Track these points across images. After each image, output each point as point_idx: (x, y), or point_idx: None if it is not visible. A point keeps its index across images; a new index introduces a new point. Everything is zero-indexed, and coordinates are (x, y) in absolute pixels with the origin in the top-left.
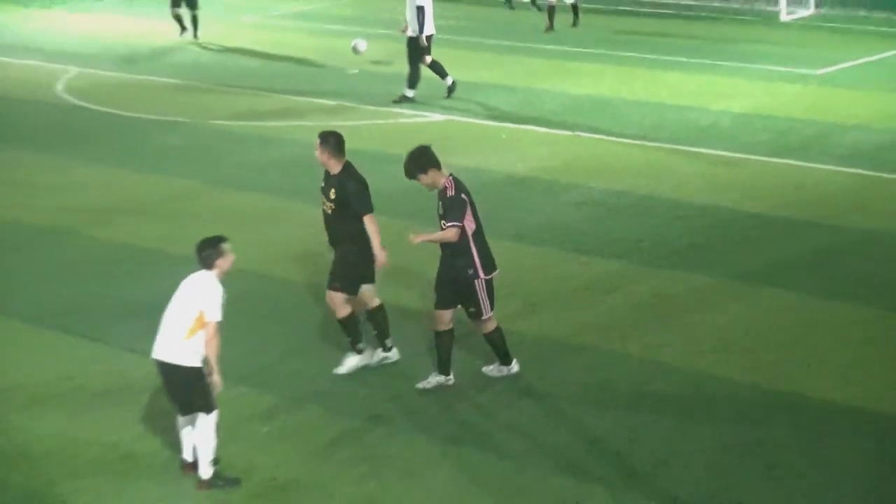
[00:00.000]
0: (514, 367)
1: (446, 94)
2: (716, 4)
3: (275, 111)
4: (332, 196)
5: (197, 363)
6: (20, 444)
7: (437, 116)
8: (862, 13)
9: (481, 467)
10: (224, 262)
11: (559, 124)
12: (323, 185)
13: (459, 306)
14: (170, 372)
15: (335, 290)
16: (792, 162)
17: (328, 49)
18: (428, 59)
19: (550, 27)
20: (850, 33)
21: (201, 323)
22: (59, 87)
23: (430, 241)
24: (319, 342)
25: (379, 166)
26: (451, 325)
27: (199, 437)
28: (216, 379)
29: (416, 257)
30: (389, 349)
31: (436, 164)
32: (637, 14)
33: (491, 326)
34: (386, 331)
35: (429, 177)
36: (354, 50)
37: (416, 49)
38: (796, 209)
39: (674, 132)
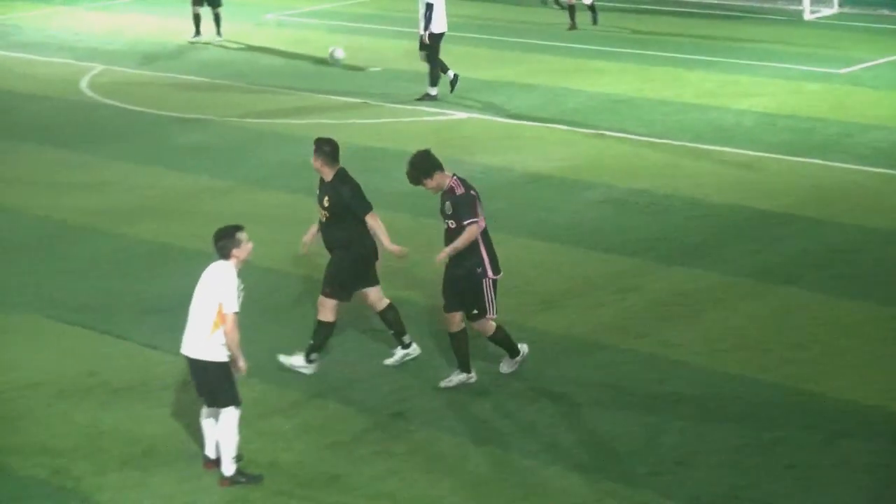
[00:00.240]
0: (524, 348)
1: (451, 89)
2: (739, 3)
3: (297, 109)
4: (326, 203)
5: (222, 358)
6: (44, 439)
7: (459, 115)
8: (886, 12)
9: (501, 465)
10: (241, 252)
11: (581, 123)
12: (318, 192)
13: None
14: (197, 367)
15: (326, 295)
16: (813, 161)
17: (349, 47)
18: (424, 55)
19: (573, 26)
20: (873, 32)
21: (223, 317)
22: (84, 84)
23: (456, 251)
24: (342, 339)
25: (401, 164)
26: (462, 326)
27: (223, 433)
28: (241, 365)
29: (433, 255)
30: (409, 346)
31: (439, 167)
32: (659, 13)
33: (492, 328)
34: (402, 328)
35: (434, 180)
36: (331, 57)
37: (433, 45)
38: (816, 208)
39: (695, 131)
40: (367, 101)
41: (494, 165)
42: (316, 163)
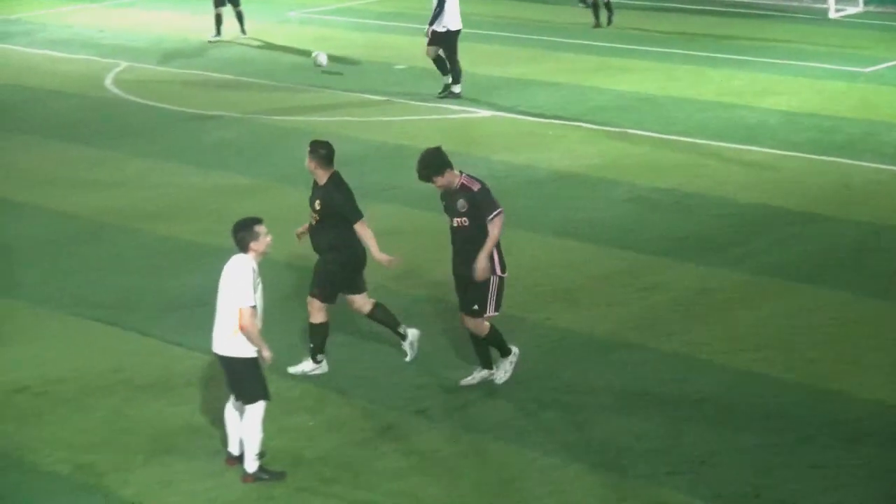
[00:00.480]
0: (515, 350)
1: (441, 91)
2: (763, 2)
3: (321, 106)
4: (318, 207)
5: (248, 353)
6: (67, 435)
7: (483, 112)
8: None
9: (522, 464)
10: (259, 245)
11: (605, 121)
12: (311, 195)
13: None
14: (224, 363)
15: (313, 296)
16: (837, 160)
17: (374, 44)
18: (431, 51)
19: (598, 24)
20: None
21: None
22: (108, 81)
23: (494, 246)
24: (367, 336)
25: None
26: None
27: (247, 429)
28: (266, 355)
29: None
30: (405, 335)
31: (450, 164)
32: (683, 11)
33: (485, 329)
34: (393, 322)
35: (445, 178)
36: (315, 62)
37: (450, 43)
38: (840, 207)
39: (720, 130)
40: (391, 99)
41: (518, 163)
42: (310, 165)
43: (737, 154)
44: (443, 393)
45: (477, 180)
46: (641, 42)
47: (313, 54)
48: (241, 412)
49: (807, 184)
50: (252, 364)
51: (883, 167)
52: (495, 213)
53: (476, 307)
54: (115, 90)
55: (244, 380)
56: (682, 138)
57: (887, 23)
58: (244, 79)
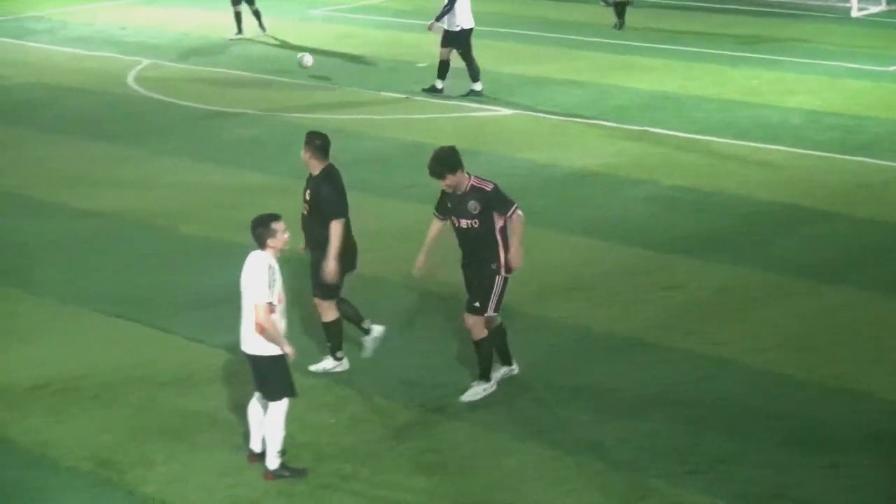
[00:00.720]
0: (494, 381)
1: (428, 88)
2: (785, 0)
3: (343, 104)
4: (308, 197)
5: (272, 351)
6: (90, 433)
7: (504, 111)
8: None
9: (542, 462)
10: (276, 242)
11: (626, 120)
12: (304, 186)
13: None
14: (251, 361)
15: (317, 297)
16: (859, 159)
17: (395, 42)
18: (444, 52)
19: (620, 23)
20: None
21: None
22: (130, 78)
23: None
24: (390, 333)
25: None
26: (498, 321)
27: (270, 426)
28: (288, 351)
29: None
30: (368, 331)
31: (462, 164)
32: (704, 10)
33: (481, 333)
34: (359, 317)
35: (456, 177)
36: (300, 64)
37: (464, 41)
38: (861, 206)
39: (741, 128)
40: (414, 97)
41: (539, 162)
42: (304, 155)
43: (758, 153)
44: (462, 392)
45: (487, 180)
46: (662, 41)
47: (298, 56)
48: (265, 409)
49: (829, 183)
50: (277, 361)
51: None
52: (512, 208)
53: (477, 304)
54: (137, 88)
55: (269, 377)
56: (703, 137)
57: None
58: (266, 76)
